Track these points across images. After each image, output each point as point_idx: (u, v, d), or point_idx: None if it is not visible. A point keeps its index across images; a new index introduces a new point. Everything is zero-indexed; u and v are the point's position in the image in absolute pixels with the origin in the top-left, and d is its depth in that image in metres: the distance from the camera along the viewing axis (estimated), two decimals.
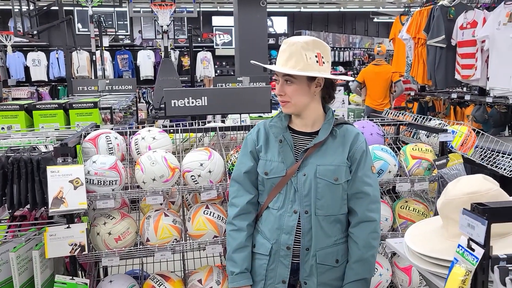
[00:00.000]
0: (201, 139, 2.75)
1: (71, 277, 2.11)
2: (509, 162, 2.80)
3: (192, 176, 2.29)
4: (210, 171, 2.29)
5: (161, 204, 2.39)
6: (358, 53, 14.48)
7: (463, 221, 1.03)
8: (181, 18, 11.70)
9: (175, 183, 2.34)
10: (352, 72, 13.15)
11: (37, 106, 3.42)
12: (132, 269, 2.70)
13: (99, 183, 2.16)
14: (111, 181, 2.18)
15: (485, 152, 2.95)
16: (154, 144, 2.40)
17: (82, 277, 2.26)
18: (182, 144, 2.70)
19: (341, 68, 13.89)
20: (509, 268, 0.96)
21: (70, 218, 2.09)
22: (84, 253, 2.09)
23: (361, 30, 15.65)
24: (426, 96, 5.86)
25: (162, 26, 7.92)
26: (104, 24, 9.67)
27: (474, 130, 2.95)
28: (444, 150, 2.61)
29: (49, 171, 1.99)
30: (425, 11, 5.09)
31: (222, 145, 2.62)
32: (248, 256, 1.78)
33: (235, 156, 2.42)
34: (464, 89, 5.92)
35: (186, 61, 11.89)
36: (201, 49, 11.99)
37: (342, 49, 14.13)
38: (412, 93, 6.23)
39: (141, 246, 2.30)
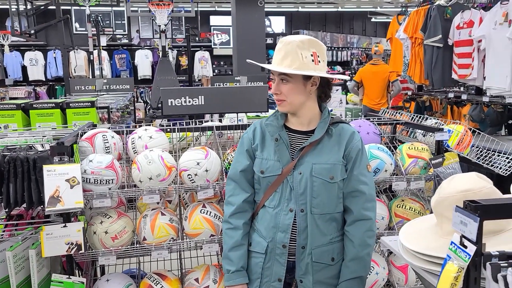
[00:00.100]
0: (198, 138, 2.76)
1: (67, 276, 2.11)
2: (505, 161, 2.81)
3: (188, 175, 2.30)
4: (206, 170, 2.30)
5: (157, 203, 2.39)
6: (356, 53, 14.50)
7: (456, 219, 1.04)
8: (179, 17, 11.67)
9: (172, 182, 2.34)
10: (350, 72, 13.16)
11: (34, 106, 3.42)
12: (129, 268, 2.71)
13: (96, 182, 2.17)
14: (107, 180, 2.19)
15: (481, 151, 2.96)
16: (150, 143, 2.40)
17: (79, 276, 2.27)
18: (179, 143, 2.71)
19: (339, 68, 13.90)
20: (501, 264, 0.96)
21: (66, 217, 2.10)
22: (80, 252, 2.09)
23: (359, 29, 15.67)
24: (423, 95, 5.88)
25: (160, 26, 7.91)
26: (101, 24, 9.64)
27: (470, 129, 2.96)
28: (440, 149, 2.63)
29: (45, 170, 1.99)
30: (422, 11, 5.11)
31: (219, 144, 2.63)
32: (244, 255, 1.79)
33: (231, 155, 2.43)
34: (461, 88, 5.94)
35: (184, 60, 11.88)
36: (199, 49, 11.98)
37: (340, 48, 14.14)
38: (409, 93, 6.24)
39: (138, 245, 2.30)
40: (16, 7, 7.49)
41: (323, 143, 1.74)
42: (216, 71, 12.62)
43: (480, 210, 0.98)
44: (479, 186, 1.29)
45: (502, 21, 4.03)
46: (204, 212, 2.31)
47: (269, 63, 1.74)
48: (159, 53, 9.13)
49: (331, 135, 1.76)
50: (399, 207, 2.59)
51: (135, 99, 9.30)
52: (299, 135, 1.78)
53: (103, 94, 5.87)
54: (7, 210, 2.13)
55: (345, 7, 14.48)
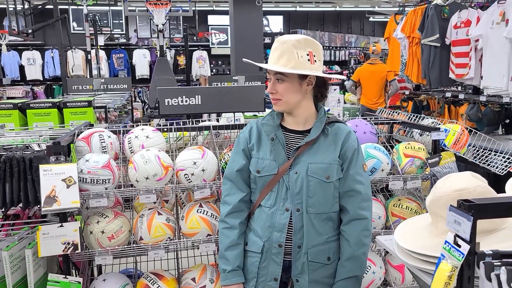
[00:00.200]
0: (195, 138, 2.76)
1: (64, 276, 2.11)
2: (501, 160, 2.82)
3: (185, 174, 2.30)
4: (203, 170, 2.30)
5: (154, 202, 2.39)
6: (354, 52, 14.51)
7: (450, 218, 1.04)
8: (177, 17, 11.66)
9: (169, 181, 2.34)
10: (348, 71, 13.17)
11: (31, 105, 3.41)
12: (126, 268, 2.71)
13: (92, 182, 2.17)
14: (104, 180, 2.19)
15: (478, 151, 2.97)
16: (147, 143, 2.40)
17: (75, 276, 2.27)
18: (176, 142, 2.70)
19: (337, 67, 13.92)
20: (495, 263, 0.97)
21: (63, 216, 2.09)
22: (77, 251, 2.09)
23: (356, 29, 15.68)
24: (421, 95, 5.89)
25: (157, 25, 7.90)
26: (99, 23, 9.62)
27: (467, 128, 2.97)
28: (436, 148, 2.63)
29: (41, 170, 1.99)
30: (420, 10, 5.11)
31: (216, 144, 2.63)
32: (240, 254, 1.79)
33: (228, 154, 2.43)
34: (459, 88, 5.95)
35: (181, 60, 11.87)
36: (196, 48, 11.97)
37: (338, 48, 14.15)
38: (407, 92, 6.26)
39: (134, 245, 2.30)
40: (13, 6, 7.47)
41: (319, 143, 1.75)
42: (214, 70, 12.61)
43: (473, 210, 0.98)
44: (473, 185, 1.29)
45: (499, 21, 4.04)
46: (201, 212, 2.31)
47: (267, 62, 1.74)
48: (157, 52, 9.12)
49: (327, 134, 1.76)
50: (396, 206, 2.59)
51: (133, 99, 9.29)
52: (295, 134, 1.78)
53: (101, 94, 5.86)
54: (3, 209, 2.13)
55: (343, 7, 14.49)
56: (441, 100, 5.47)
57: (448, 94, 5.24)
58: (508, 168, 2.68)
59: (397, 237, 1.45)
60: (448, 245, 1.04)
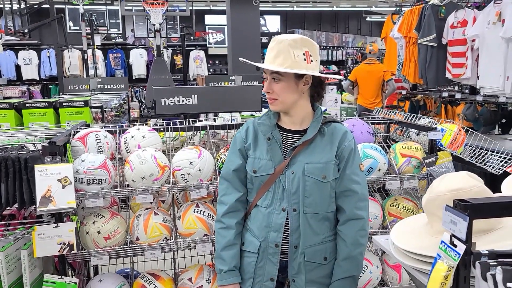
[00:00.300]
0: (191, 138, 2.75)
1: (60, 277, 2.10)
2: (498, 159, 2.82)
3: (182, 174, 2.29)
4: (200, 170, 2.29)
5: (151, 202, 2.39)
6: (351, 52, 14.52)
7: (445, 218, 1.04)
8: (174, 16, 11.63)
9: (165, 181, 2.34)
10: (345, 71, 13.18)
11: (26, 105, 3.40)
12: (122, 268, 2.70)
13: (88, 182, 2.16)
14: (100, 180, 2.18)
15: (474, 150, 2.97)
16: (143, 143, 2.39)
17: (71, 277, 2.26)
18: (173, 142, 2.70)
19: (334, 67, 13.92)
20: (491, 263, 0.97)
21: (58, 217, 2.08)
22: (73, 252, 2.08)
23: (354, 29, 15.70)
24: (418, 94, 5.90)
25: (154, 25, 7.88)
26: (95, 23, 9.60)
27: (463, 128, 2.97)
28: (433, 148, 2.63)
29: (37, 170, 1.98)
30: (416, 10, 5.12)
31: (213, 144, 2.62)
32: (237, 254, 1.79)
33: (225, 154, 2.42)
34: (455, 87, 5.96)
35: (178, 59, 11.85)
36: (194, 48, 11.95)
37: (335, 48, 14.15)
38: (404, 92, 6.26)
39: (131, 245, 2.29)
40: (9, 6, 7.44)
41: (315, 143, 1.74)
42: (211, 70, 12.60)
43: (469, 209, 0.98)
44: (469, 185, 1.29)
45: (495, 21, 4.05)
46: (197, 212, 2.31)
47: (264, 62, 1.74)
48: (154, 52, 9.11)
49: (323, 134, 1.76)
50: (393, 206, 2.59)
51: (130, 99, 9.28)
52: (292, 134, 1.78)
53: (97, 94, 5.84)
54: None
55: (340, 6, 14.50)
56: (438, 100, 5.48)
57: (445, 94, 5.25)
58: (505, 167, 2.69)
59: (393, 237, 1.45)
60: (444, 245, 1.04)
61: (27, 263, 2.05)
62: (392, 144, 2.77)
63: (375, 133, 2.85)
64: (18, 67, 11.06)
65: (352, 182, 1.75)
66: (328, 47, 13.88)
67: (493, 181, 2.60)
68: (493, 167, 2.80)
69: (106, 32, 11.09)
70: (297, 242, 1.72)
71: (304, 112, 1.77)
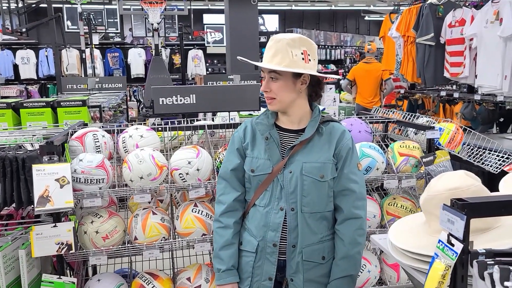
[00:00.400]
0: (189, 137, 2.75)
1: (58, 276, 2.09)
2: (495, 158, 2.83)
3: (180, 174, 2.29)
4: (198, 169, 2.29)
5: (149, 202, 2.38)
6: (350, 51, 14.52)
7: (443, 217, 1.04)
8: (172, 16, 11.62)
9: (163, 181, 2.33)
10: (344, 70, 13.19)
11: (24, 104, 3.39)
12: (120, 268, 2.69)
13: (86, 182, 2.15)
14: (98, 180, 2.17)
15: (472, 149, 2.98)
16: (141, 142, 2.39)
17: (70, 276, 2.25)
18: (171, 142, 2.70)
19: (332, 66, 13.92)
20: (488, 262, 0.97)
21: (56, 217, 2.08)
22: (71, 252, 2.08)
23: (352, 28, 15.70)
24: (416, 94, 5.90)
25: (152, 24, 7.88)
26: (93, 22, 9.59)
27: (461, 127, 2.98)
28: (431, 147, 2.64)
29: (34, 170, 1.98)
30: (414, 9, 5.12)
31: (211, 143, 2.62)
32: (235, 253, 1.79)
33: (223, 154, 2.42)
34: (453, 87, 5.97)
35: (177, 59, 11.83)
36: (192, 47, 11.93)
37: (334, 47, 14.15)
38: (402, 91, 6.27)
39: (129, 245, 2.29)
40: (7, 5, 7.42)
41: (313, 142, 1.74)
42: (209, 69, 12.58)
43: (467, 208, 0.98)
44: (467, 184, 1.29)
45: (493, 20, 4.05)
46: (195, 211, 2.31)
47: (262, 61, 1.74)
48: (152, 51, 9.09)
49: (321, 133, 1.76)
50: (391, 205, 2.60)
51: (128, 98, 9.26)
52: (290, 133, 1.78)
53: (96, 93, 5.83)
54: None
55: (338, 6, 14.49)
56: (436, 99, 5.48)
57: (443, 93, 5.26)
58: (502, 166, 2.70)
59: (391, 236, 1.45)
60: (441, 244, 1.05)
61: (25, 263, 2.05)
62: (390, 143, 2.77)
63: (373, 132, 2.85)
64: (16, 67, 11.03)
65: (350, 181, 1.75)
66: (326, 46, 13.87)
67: (491, 180, 2.61)
68: (491, 166, 2.81)
69: (104, 31, 11.09)
70: (295, 242, 1.72)
71: (302, 111, 1.77)
